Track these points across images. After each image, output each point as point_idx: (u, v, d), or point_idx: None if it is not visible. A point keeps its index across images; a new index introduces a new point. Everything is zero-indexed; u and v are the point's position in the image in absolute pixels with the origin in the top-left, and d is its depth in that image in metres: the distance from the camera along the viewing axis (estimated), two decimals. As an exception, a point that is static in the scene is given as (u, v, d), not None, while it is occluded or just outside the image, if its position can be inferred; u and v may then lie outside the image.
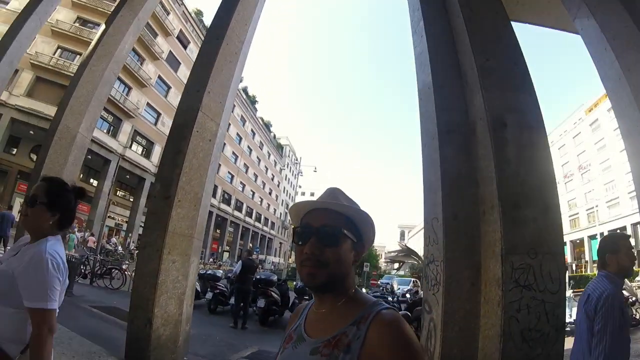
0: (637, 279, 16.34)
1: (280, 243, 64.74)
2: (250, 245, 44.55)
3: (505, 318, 2.67)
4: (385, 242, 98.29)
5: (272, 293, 8.51)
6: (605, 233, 33.23)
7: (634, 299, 8.10)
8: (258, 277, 8.90)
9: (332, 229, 0.88)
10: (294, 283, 10.59)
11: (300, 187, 68.46)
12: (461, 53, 4.03)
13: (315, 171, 41.55)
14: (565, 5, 4.69)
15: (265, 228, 56.61)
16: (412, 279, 22.77)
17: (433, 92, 3.96)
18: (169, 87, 31.72)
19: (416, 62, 4.55)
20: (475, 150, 3.64)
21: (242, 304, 7.66)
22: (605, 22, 5.54)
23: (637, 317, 7.94)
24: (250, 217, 49.40)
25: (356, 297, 0.91)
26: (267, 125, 58.20)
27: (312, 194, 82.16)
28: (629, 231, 32.19)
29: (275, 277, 9.49)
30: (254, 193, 50.84)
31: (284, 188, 68.14)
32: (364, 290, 11.21)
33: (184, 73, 30.75)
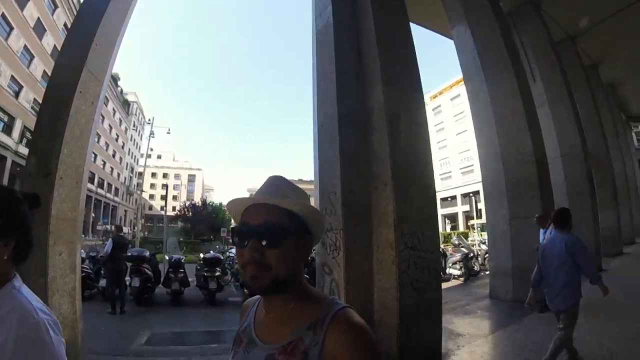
0: (470, 238, 21.24)
1: (125, 211, 58.12)
2: (93, 215, 39.02)
3: (399, 273, 3.46)
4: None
5: (145, 270, 8.04)
6: (459, 196, 42.08)
7: (472, 254, 10.77)
8: (129, 254, 8.21)
9: (273, 228, 0.78)
10: (167, 256, 9.93)
11: (152, 150, 62.06)
12: (366, 45, 4.53)
13: (168, 133, 37.92)
14: (447, 14, 5.74)
15: (108, 195, 49.72)
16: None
17: (336, 77, 4.37)
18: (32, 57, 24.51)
19: (318, 45, 4.86)
20: (371, 135, 4.27)
21: (116, 286, 7.04)
22: (478, 35, 7.02)
23: (476, 269, 10.66)
24: (92, 182, 42.55)
25: (307, 296, 0.84)
26: (115, 78, 49.80)
27: (158, 157, 75.51)
28: (458, 200, 41.52)
29: (147, 253, 8.87)
30: (95, 155, 43.64)
31: (129, 150, 60.68)
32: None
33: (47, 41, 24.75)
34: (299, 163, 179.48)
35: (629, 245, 12.44)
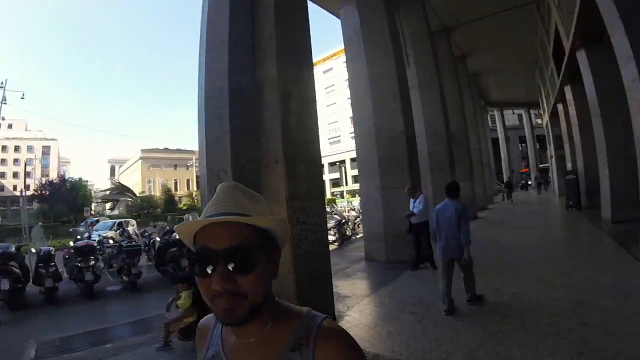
0: (339, 205, 22.98)
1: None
2: None
3: (293, 247, 3.68)
4: (94, 179, 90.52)
5: (13, 268, 6.72)
6: (327, 165, 43.67)
7: (344, 220, 11.87)
8: (-10, 252, 6.75)
9: (243, 251, 0.67)
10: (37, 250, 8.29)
11: (3, 119, 50.61)
12: (262, 17, 4.36)
13: (22, 98, 31.05)
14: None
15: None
16: (123, 220, 19.37)
17: (229, 48, 4.18)
18: None
19: (210, 10, 4.50)
20: (261, 111, 4.25)
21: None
22: (364, 16, 7.35)
23: (348, 234, 11.86)
24: None
25: (283, 312, 0.75)
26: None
27: (9, 126, 61.76)
28: (326, 168, 43.01)
29: (12, 248, 7.36)
30: None
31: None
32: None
33: None
34: (171, 132, 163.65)
35: (482, 211, 15.28)
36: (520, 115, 37.52)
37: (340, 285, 5.51)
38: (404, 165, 6.96)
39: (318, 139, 4.43)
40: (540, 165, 33.79)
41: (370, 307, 4.55)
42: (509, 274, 5.36)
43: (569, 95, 12.94)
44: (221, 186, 0.75)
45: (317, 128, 4.47)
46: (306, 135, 4.26)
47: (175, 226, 1.05)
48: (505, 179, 29.49)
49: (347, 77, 8.73)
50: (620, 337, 3.01)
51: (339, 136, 47.71)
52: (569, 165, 16.13)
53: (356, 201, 18.64)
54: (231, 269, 0.65)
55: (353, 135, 8.34)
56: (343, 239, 11.04)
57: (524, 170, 37.63)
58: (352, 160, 42.50)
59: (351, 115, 8.32)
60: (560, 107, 16.23)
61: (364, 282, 5.84)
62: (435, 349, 3.17)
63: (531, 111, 33.41)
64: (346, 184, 40.15)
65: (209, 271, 0.65)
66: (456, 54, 16.12)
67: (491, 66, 19.71)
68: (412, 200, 6.21)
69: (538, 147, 34.21)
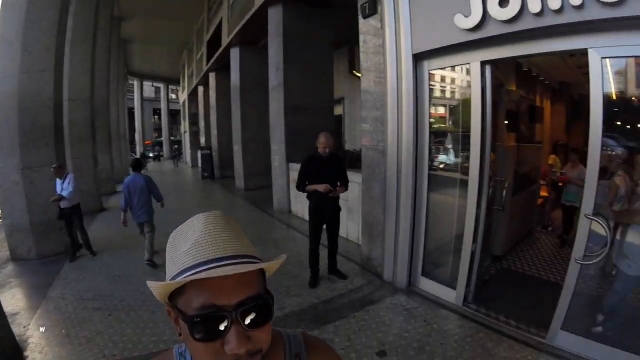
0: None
1: None
2: None
3: None
4: None
5: None
6: None
7: None
8: None
9: (258, 302, 0.56)
10: None
11: None
12: None
13: None
14: None
15: None
16: None
17: None
18: None
19: None
20: None
21: None
22: None
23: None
24: None
25: None
26: None
27: None
28: None
29: None
30: None
31: None
32: None
33: None
34: None
35: (120, 184, 14.65)
36: (158, 88, 38.32)
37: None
38: (50, 139, 5.69)
39: None
40: (171, 138, 36.60)
41: (49, 318, 3.64)
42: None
43: (212, 81, 14.82)
44: (206, 217, 0.60)
45: None
46: None
47: (147, 282, 0.56)
48: (138, 151, 29.86)
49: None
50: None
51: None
52: (202, 141, 18.90)
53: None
54: (247, 326, 0.54)
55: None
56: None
57: (147, 142, 38.12)
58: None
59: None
60: (201, 88, 18.38)
61: (24, 290, 4.44)
62: (143, 335, 3.21)
63: (170, 86, 34.99)
64: None
65: (222, 333, 0.53)
66: (117, 13, 14.36)
67: (143, 35, 18.97)
68: (58, 181, 5.29)
69: (170, 121, 36.70)
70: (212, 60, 13.82)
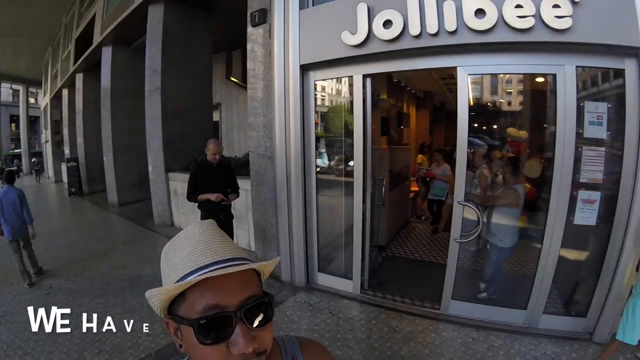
0: None
1: None
2: None
3: None
4: None
5: None
6: None
7: None
8: None
9: (260, 301, 0.59)
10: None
11: None
12: None
13: None
14: None
15: None
16: None
17: None
18: None
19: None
20: None
21: None
22: None
23: None
24: None
25: None
26: None
27: None
28: None
29: None
30: None
31: None
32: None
33: None
34: None
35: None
36: (17, 91, 31.11)
37: None
38: None
39: None
40: (33, 150, 30.46)
41: None
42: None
43: (79, 83, 12.92)
44: (200, 226, 0.64)
45: None
46: None
47: (147, 292, 0.55)
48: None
49: None
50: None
51: None
52: (67, 152, 16.24)
53: None
54: (251, 326, 0.57)
55: None
56: None
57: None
58: None
59: None
60: (66, 91, 15.73)
61: None
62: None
63: (30, 89, 28.76)
64: None
65: (228, 334, 0.55)
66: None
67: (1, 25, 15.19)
68: None
69: (29, 129, 30.34)
70: (80, 60, 12.09)
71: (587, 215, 3.07)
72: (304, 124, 3.86)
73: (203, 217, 3.92)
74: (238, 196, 4.10)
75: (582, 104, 2.99)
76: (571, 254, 3.36)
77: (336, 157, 4.15)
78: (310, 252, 4.13)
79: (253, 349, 0.56)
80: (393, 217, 5.79)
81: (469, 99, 3.18)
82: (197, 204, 3.93)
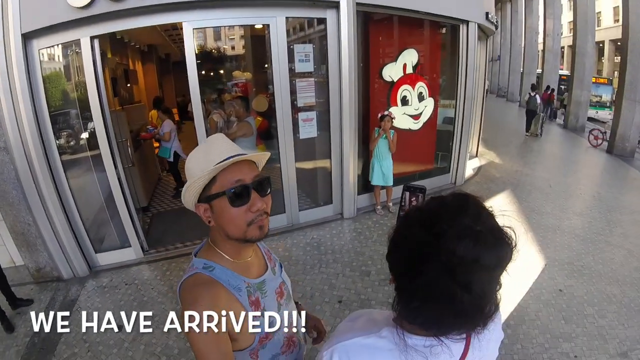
0: None
1: None
2: None
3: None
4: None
5: None
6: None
7: None
8: None
9: (263, 178, 0.90)
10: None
11: None
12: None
13: None
14: None
15: None
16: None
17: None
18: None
19: None
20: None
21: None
22: None
23: None
24: None
25: None
26: None
27: None
28: None
29: None
30: None
31: None
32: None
33: None
34: None
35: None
36: None
37: None
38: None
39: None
40: None
41: None
42: None
43: None
44: (214, 138, 0.94)
45: None
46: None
47: (185, 186, 0.86)
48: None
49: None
50: None
51: None
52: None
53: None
54: (261, 194, 0.88)
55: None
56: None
57: None
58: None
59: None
60: None
61: None
62: None
63: None
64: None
65: (247, 198, 0.85)
66: None
67: None
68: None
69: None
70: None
71: (308, 130, 4.37)
72: (34, 101, 3.26)
73: None
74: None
75: (292, 46, 4.04)
76: (307, 164, 4.65)
77: (76, 130, 3.78)
78: (80, 238, 3.78)
79: (264, 207, 0.88)
80: (145, 176, 5.75)
81: (195, 52, 3.65)
82: None
